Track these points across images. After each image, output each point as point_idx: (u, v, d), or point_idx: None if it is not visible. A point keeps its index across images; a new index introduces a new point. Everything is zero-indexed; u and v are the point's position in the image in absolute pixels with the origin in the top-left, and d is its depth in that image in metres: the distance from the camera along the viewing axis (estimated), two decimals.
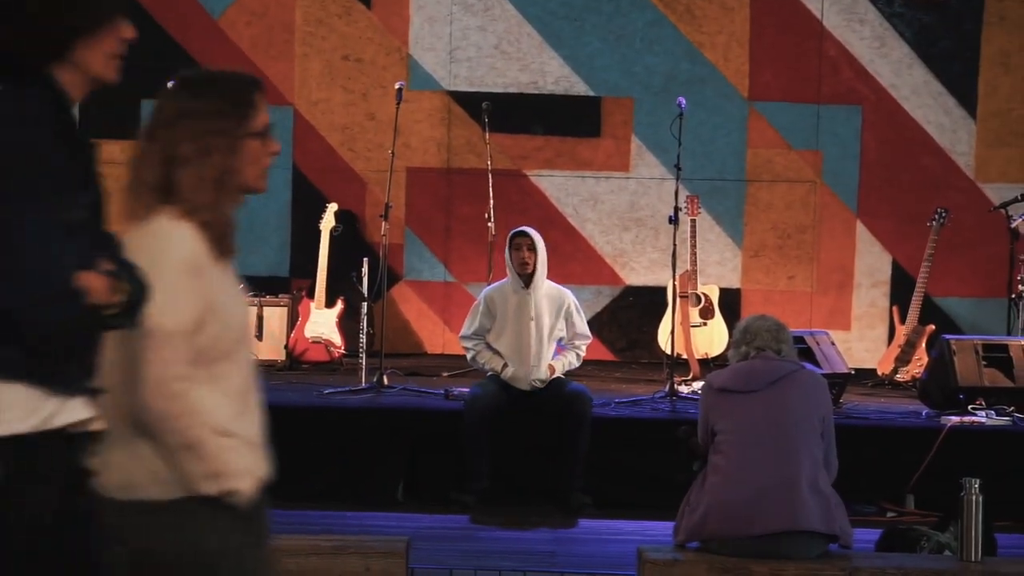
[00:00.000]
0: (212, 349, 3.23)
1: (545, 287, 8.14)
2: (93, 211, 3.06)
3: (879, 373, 9.97)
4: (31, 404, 2.79)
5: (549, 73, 11.10)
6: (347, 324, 10.08)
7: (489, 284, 8.80)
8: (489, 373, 8.09)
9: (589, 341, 8.33)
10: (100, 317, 2.85)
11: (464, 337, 8.23)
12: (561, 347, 8.20)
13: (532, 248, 8.07)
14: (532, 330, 8.05)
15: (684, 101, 9.33)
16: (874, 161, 11.06)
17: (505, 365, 8.04)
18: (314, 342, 10.09)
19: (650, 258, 11.06)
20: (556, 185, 11.08)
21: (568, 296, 8.22)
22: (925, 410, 8.49)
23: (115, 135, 11.03)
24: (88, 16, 2.97)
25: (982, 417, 8.12)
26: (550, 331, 8.11)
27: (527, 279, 8.07)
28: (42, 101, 2.90)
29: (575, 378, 8.31)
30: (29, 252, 2.76)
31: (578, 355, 8.21)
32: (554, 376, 8.04)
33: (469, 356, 8.24)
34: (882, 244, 11.03)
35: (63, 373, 2.85)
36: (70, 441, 2.86)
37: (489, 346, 8.14)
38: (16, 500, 2.77)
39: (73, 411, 2.86)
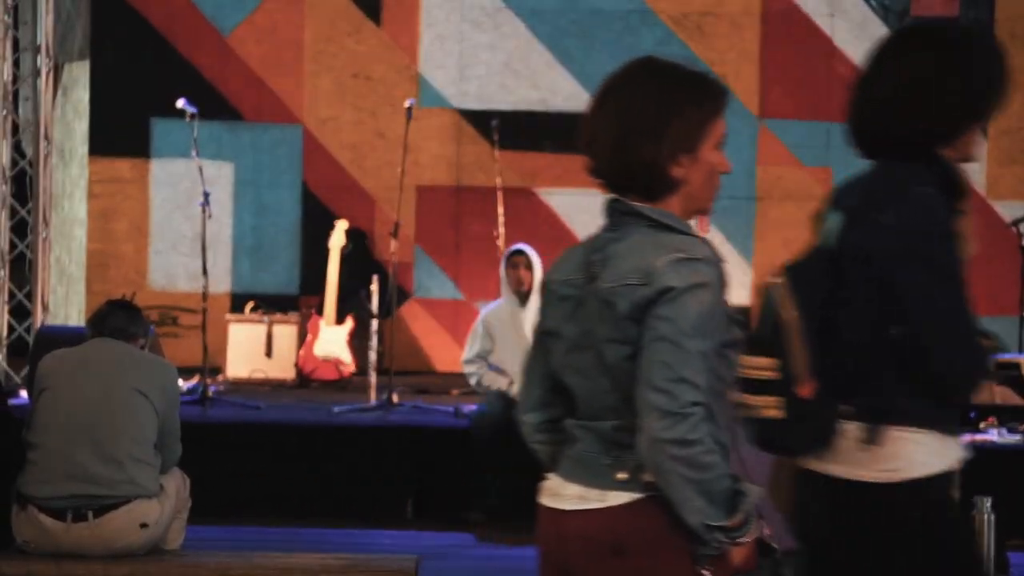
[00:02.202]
0: None
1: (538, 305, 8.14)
2: None
3: None
4: (940, 448, 3.19)
5: (559, 90, 11.10)
6: (357, 342, 10.07)
7: (496, 300, 8.80)
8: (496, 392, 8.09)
9: None
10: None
11: (467, 362, 8.25)
12: None
13: (528, 267, 8.12)
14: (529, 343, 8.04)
15: None
16: None
17: (511, 382, 8.04)
18: (324, 360, 10.08)
19: None
20: (566, 202, 11.07)
21: None
22: None
23: (125, 153, 11.09)
24: (989, 105, 3.46)
25: (993, 435, 8.09)
26: None
27: (523, 297, 8.11)
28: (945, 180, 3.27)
29: None
30: (965, 319, 3.20)
31: None
32: None
33: (473, 381, 8.24)
34: None
35: (956, 419, 3.26)
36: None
37: (492, 367, 8.15)
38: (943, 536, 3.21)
39: (960, 450, 3.26)
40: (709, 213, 3.08)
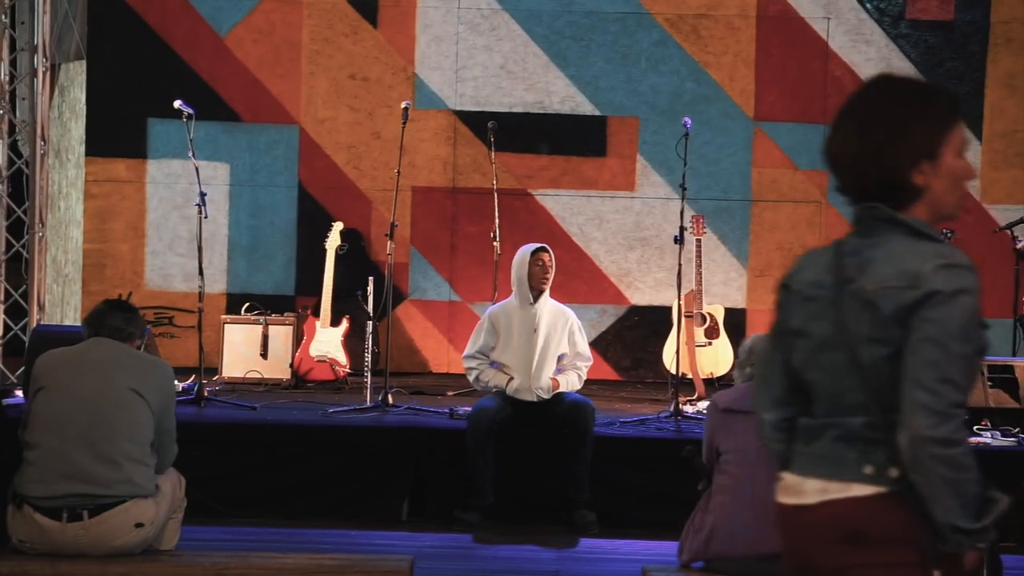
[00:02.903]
0: None
1: (549, 304, 8.21)
2: None
3: None
4: None
5: (555, 93, 11.12)
6: (352, 343, 10.08)
7: (494, 303, 8.81)
8: (494, 390, 8.10)
9: (590, 363, 8.35)
10: None
11: (467, 357, 8.25)
12: (561, 367, 8.23)
13: (552, 265, 8.17)
14: (538, 342, 8.09)
15: (689, 121, 9.34)
16: None
17: (510, 379, 8.06)
18: (319, 361, 10.09)
19: (655, 277, 11.06)
20: (561, 204, 11.09)
21: (571, 316, 8.27)
22: None
23: (122, 153, 11.10)
24: None
25: (987, 438, 8.11)
26: (555, 346, 8.15)
27: (537, 295, 8.13)
28: None
29: (579, 392, 8.31)
30: None
31: (579, 376, 8.23)
32: (557, 391, 8.08)
33: (472, 377, 8.24)
34: None
35: None
36: None
37: (494, 363, 8.16)
38: None
39: None
40: (956, 219, 3.18)
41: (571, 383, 8.17)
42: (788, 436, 3.23)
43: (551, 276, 8.18)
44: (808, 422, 3.17)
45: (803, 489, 3.11)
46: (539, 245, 8.27)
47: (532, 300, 8.15)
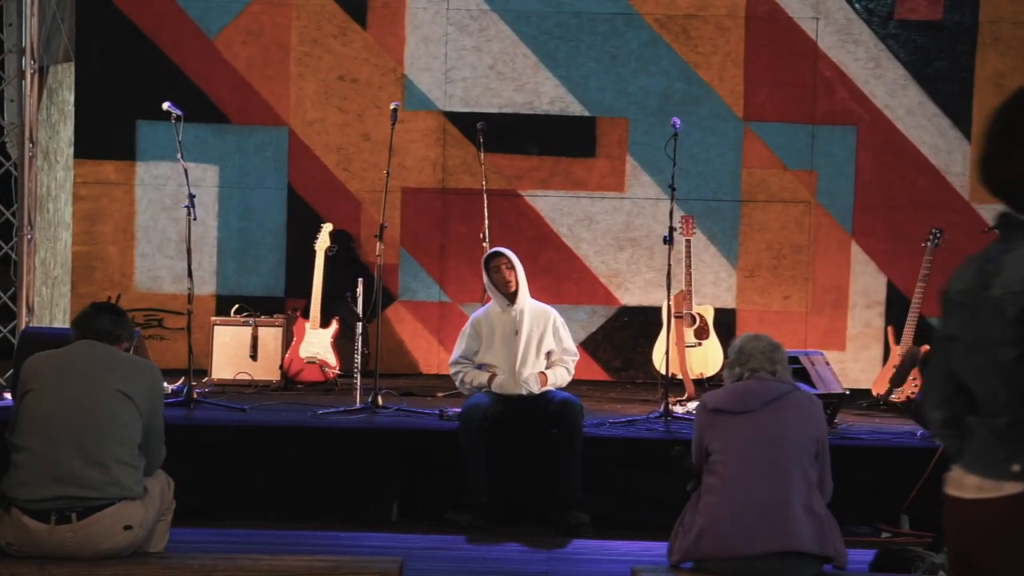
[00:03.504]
0: None
1: (530, 304, 8.25)
2: None
3: (874, 393, 9.96)
4: None
5: (544, 93, 11.11)
6: (342, 344, 10.08)
7: (484, 304, 8.81)
8: (480, 390, 8.12)
9: (576, 358, 8.40)
10: None
11: (452, 363, 8.31)
12: (551, 363, 8.25)
13: (511, 266, 8.20)
14: (520, 342, 8.12)
15: (679, 121, 9.34)
16: (869, 181, 11.07)
17: (493, 375, 8.09)
18: (309, 362, 10.08)
19: (645, 278, 11.06)
20: (551, 205, 11.09)
21: (552, 313, 8.33)
22: (920, 430, 8.49)
23: (111, 155, 11.08)
24: None
25: None
26: (538, 343, 8.18)
27: (512, 296, 8.18)
28: None
29: (569, 391, 8.32)
30: None
31: (567, 370, 8.28)
32: (546, 387, 8.10)
33: (457, 381, 8.30)
34: (877, 264, 11.04)
35: None
36: None
37: (481, 367, 8.19)
38: None
39: None
40: None
41: (560, 377, 8.21)
42: (956, 432, 3.36)
43: (515, 276, 8.22)
44: (972, 420, 3.30)
45: (963, 483, 3.27)
46: (492, 251, 8.33)
47: (509, 303, 8.21)
